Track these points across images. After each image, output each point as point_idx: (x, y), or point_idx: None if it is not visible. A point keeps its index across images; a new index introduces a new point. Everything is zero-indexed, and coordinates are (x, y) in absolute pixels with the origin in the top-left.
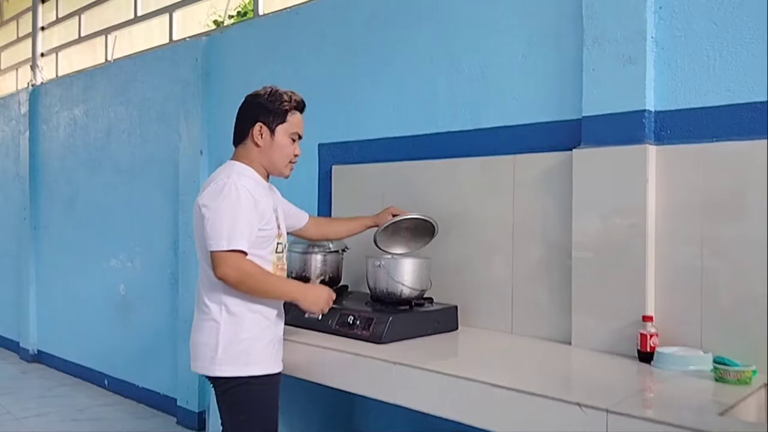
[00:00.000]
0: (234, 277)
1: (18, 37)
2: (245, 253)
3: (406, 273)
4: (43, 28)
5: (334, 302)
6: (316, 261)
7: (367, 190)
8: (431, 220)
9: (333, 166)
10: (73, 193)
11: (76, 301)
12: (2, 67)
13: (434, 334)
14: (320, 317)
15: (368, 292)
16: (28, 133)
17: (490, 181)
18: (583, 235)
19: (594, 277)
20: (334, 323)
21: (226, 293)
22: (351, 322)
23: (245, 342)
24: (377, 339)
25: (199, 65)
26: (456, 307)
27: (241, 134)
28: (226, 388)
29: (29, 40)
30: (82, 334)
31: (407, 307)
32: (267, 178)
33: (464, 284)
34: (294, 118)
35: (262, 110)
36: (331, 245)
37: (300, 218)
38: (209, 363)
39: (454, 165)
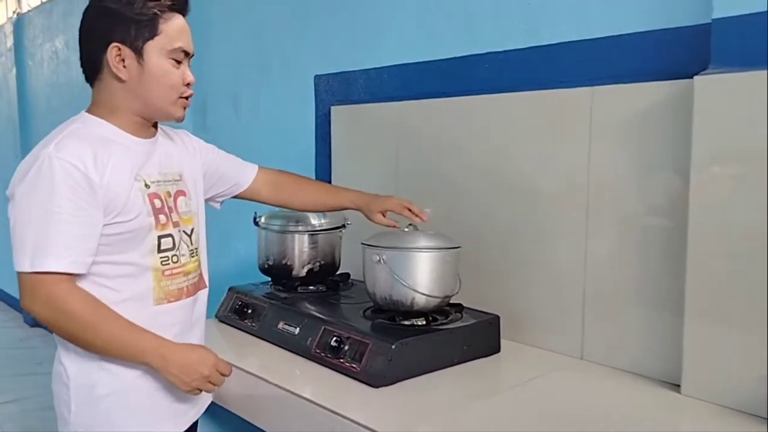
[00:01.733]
0: (45, 316)
1: None
2: (73, 275)
3: (420, 273)
4: None
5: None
6: (302, 244)
7: (378, 140)
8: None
9: (332, 107)
10: None
11: None
12: None
13: (464, 362)
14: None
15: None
16: (15, 70)
17: (555, 127)
18: (709, 215)
19: (726, 281)
20: (312, 343)
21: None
22: (336, 345)
23: (104, 398)
24: (371, 380)
25: None
26: (497, 318)
27: (91, 66)
28: None
29: None
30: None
31: (422, 322)
32: (151, 127)
33: (510, 282)
34: (172, 25)
35: (117, 21)
36: (323, 220)
37: (242, 176)
38: (64, 426)
39: (500, 103)
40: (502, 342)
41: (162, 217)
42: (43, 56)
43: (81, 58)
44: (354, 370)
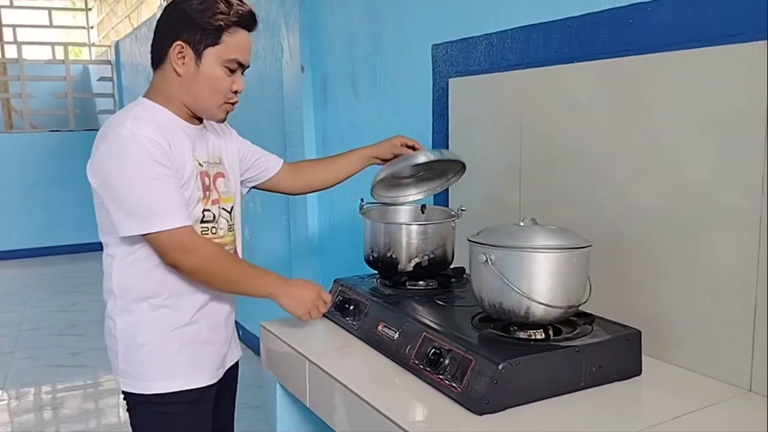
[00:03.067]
0: (192, 265)
1: None
2: (192, 227)
3: (537, 277)
4: None
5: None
6: (409, 235)
7: (499, 114)
8: (459, 160)
9: (450, 80)
10: None
11: None
12: None
13: (593, 386)
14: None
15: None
16: None
17: (724, 94)
18: None
19: None
20: (411, 351)
21: (117, 280)
22: (434, 357)
23: (142, 348)
24: (472, 405)
25: None
26: (638, 333)
27: (157, 55)
28: (130, 407)
29: None
30: None
31: (541, 335)
32: (197, 121)
33: (655, 288)
34: (235, 38)
35: (187, 23)
36: (434, 205)
37: (269, 163)
38: (115, 373)
39: (649, 65)
40: (644, 362)
41: (207, 193)
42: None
43: (151, 46)
44: (454, 390)
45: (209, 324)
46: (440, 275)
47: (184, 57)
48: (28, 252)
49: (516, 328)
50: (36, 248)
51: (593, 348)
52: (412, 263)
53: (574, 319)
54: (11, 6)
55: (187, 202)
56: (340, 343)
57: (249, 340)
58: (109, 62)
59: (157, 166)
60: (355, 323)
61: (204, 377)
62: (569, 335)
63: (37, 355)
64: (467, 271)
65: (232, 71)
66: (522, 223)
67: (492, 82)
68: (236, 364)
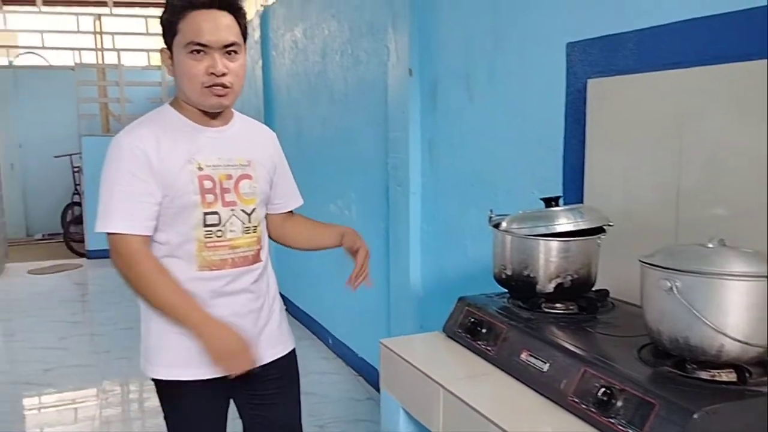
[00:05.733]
0: (120, 270)
1: None
2: (145, 238)
3: (735, 309)
4: None
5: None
6: (549, 252)
7: (653, 120)
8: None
9: (589, 81)
10: (297, 129)
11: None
12: None
13: None
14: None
15: (641, 309)
16: (261, 61)
17: None
18: None
19: None
20: (568, 387)
21: None
22: (602, 396)
23: (152, 335)
24: None
25: None
26: None
27: None
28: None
29: None
30: (309, 285)
31: (732, 377)
32: (219, 117)
33: None
34: (187, 23)
35: (162, 30)
36: (579, 220)
37: (289, 199)
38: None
39: None
40: None
41: (209, 196)
42: (284, 46)
43: None
44: None
45: (223, 318)
46: (583, 298)
47: (170, 60)
48: None
49: (696, 366)
50: None
51: None
52: (552, 284)
53: (766, 359)
54: (111, 15)
55: (178, 207)
56: (474, 370)
57: (339, 348)
58: None
59: (126, 174)
60: (489, 348)
61: (207, 371)
62: (765, 378)
63: (133, 355)
64: (611, 294)
65: (198, 53)
66: (710, 245)
67: (644, 82)
68: (286, 358)
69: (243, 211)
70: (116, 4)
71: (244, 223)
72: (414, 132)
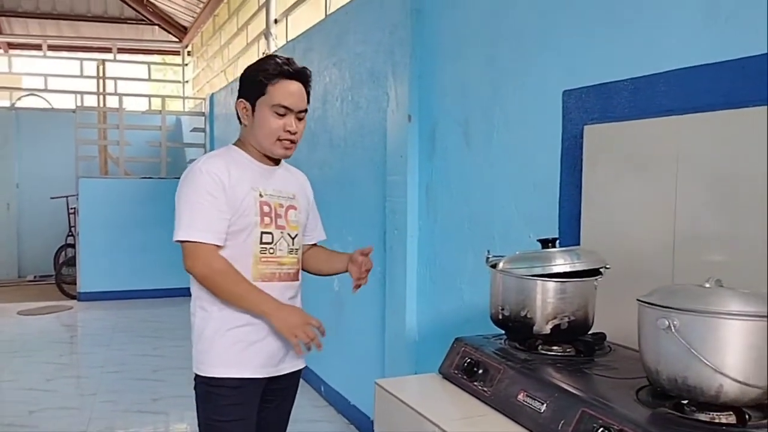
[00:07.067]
0: (200, 273)
1: (258, 5)
2: (218, 246)
3: (734, 349)
4: None
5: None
6: (546, 293)
7: (649, 166)
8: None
9: (585, 127)
10: None
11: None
12: (249, 41)
13: None
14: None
15: (639, 353)
16: None
17: None
18: None
19: None
20: (566, 428)
21: (198, 285)
22: None
23: (208, 340)
24: None
25: (408, 0)
26: None
27: (236, 113)
28: (195, 385)
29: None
30: None
31: (731, 419)
32: (270, 162)
33: None
34: (276, 88)
35: (244, 84)
36: (576, 261)
37: (315, 232)
38: (192, 359)
39: None
40: None
41: (266, 219)
42: None
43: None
44: None
45: (262, 330)
46: (580, 341)
47: (246, 111)
48: (113, 294)
49: (695, 408)
50: (121, 291)
51: None
52: (550, 325)
53: (765, 402)
54: (114, 60)
55: (241, 225)
56: (471, 411)
57: (331, 395)
58: (203, 114)
59: (206, 194)
60: (486, 389)
61: (248, 371)
62: (764, 421)
63: (118, 398)
64: (608, 338)
65: (281, 115)
66: (707, 285)
67: (640, 129)
68: (297, 373)
69: (289, 234)
70: (120, 51)
71: (289, 245)
72: (412, 176)
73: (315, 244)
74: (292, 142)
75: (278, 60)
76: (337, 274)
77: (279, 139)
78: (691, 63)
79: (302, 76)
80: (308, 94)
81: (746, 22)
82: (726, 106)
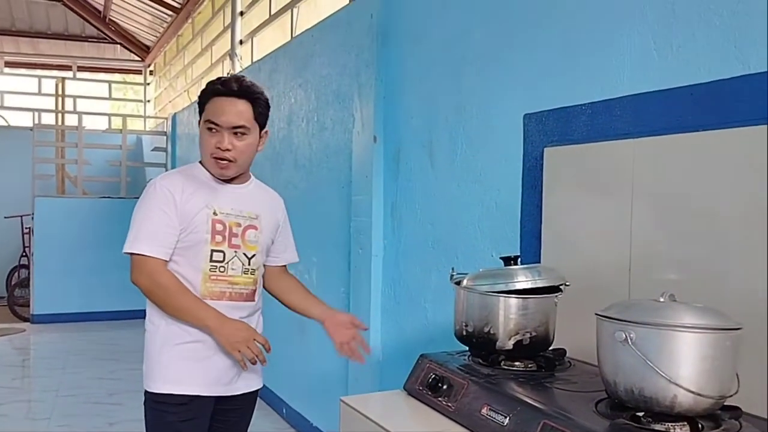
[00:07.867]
0: (144, 286)
1: (224, 26)
2: (164, 261)
3: (687, 361)
4: (242, 14)
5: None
6: (508, 308)
7: (606, 186)
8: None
9: (545, 149)
10: None
11: None
12: (213, 61)
13: None
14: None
15: (597, 368)
16: None
17: None
18: None
19: None
20: None
21: (148, 300)
22: None
23: (155, 355)
24: None
25: (374, 23)
26: None
27: None
28: (144, 400)
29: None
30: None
31: (682, 429)
32: (237, 180)
33: None
34: (209, 105)
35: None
36: (538, 278)
37: (285, 253)
38: (145, 364)
39: None
40: None
41: (218, 237)
42: None
43: None
44: None
45: (211, 347)
46: (541, 356)
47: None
48: (68, 316)
49: (651, 419)
50: (77, 313)
51: None
52: (512, 341)
53: (719, 413)
54: (74, 78)
55: (191, 241)
56: (435, 426)
57: (293, 418)
58: (164, 133)
59: (157, 209)
60: (450, 404)
61: (196, 388)
62: (717, 431)
63: (73, 423)
64: (568, 353)
65: (211, 130)
66: (662, 299)
67: (598, 151)
68: (252, 394)
69: (245, 254)
70: (80, 69)
71: (244, 265)
72: (377, 196)
73: (285, 269)
74: (227, 160)
75: (221, 78)
76: (307, 317)
77: (213, 157)
78: (645, 89)
79: (242, 94)
80: (259, 113)
81: (695, 51)
82: (678, 130)
